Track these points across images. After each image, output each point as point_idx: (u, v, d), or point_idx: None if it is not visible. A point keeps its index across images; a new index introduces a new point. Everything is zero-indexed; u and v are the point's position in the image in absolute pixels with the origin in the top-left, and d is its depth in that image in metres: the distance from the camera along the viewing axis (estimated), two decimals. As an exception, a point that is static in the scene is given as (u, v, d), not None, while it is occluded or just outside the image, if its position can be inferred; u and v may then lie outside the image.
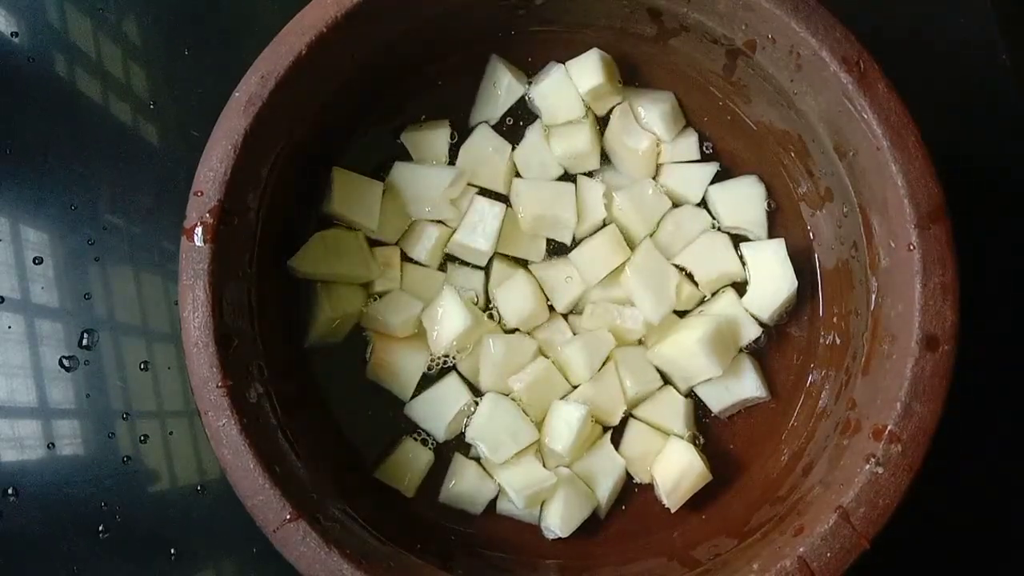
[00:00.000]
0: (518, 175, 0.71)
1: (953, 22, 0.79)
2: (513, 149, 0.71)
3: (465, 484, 0.66)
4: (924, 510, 0.61)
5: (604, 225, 0.70)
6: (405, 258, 0.70)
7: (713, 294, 0.70)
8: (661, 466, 0.67)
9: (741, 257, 0.69)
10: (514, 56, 0.72)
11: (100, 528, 0.69)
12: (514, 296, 0.68)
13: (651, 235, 0.70)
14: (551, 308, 0.69)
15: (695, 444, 0.67)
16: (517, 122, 0.72)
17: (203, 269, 0.56)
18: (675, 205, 0.71)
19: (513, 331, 0.69)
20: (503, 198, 0.70)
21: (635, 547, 0.66)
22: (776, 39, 0.61)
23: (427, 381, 0.68)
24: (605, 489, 0.66)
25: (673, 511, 0.66)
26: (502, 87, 0.71)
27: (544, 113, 0.71)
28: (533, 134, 0.71)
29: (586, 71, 0.69)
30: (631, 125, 0.71)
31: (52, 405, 0.71)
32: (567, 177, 0.71)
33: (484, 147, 0.70)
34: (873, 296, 0.61)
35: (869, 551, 0.54)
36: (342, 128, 0.69)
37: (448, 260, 0.70)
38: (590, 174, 0.71)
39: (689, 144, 0.71)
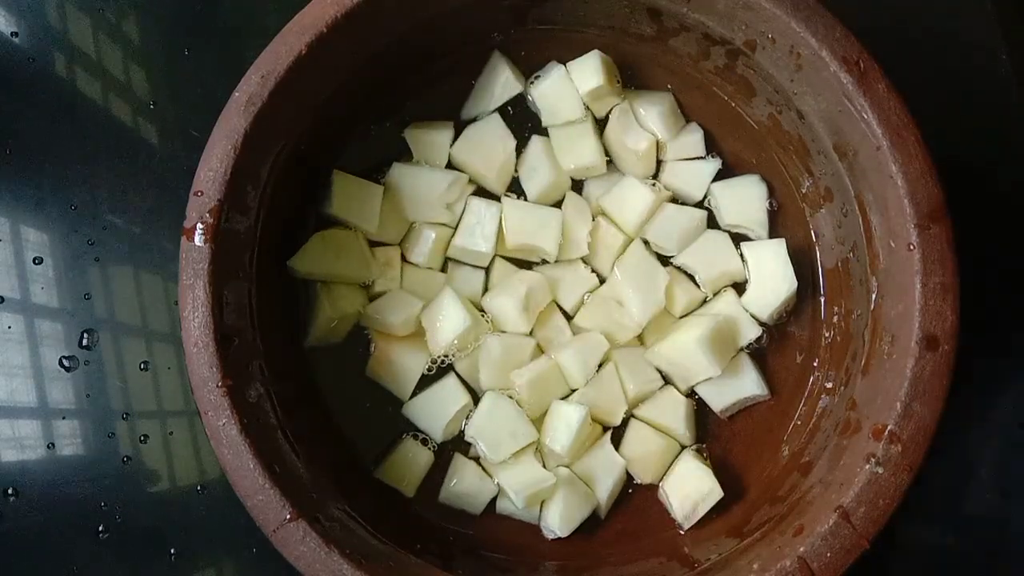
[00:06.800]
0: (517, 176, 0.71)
1: (953, 22, 0.79)
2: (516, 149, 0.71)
3: (465, 484, 0.66)
4: (924, 510, 0.61)
5: (584, 260, 0.70)
6: (405, 259, 0.70)
7: (715, 294, 0.70)
8: (678, 489, 0.66)
9: (741, 256, 0.69)
10: (514, 56, 0.72)
11: (100, 528, 0.69)
12: (502, 306, 0.67)
13: (641, 236, 0.70)
14: (551, 308, 0.69)
15: (702, 456, 0.67)
16: (515, 122, 0.72)
17: (203, 269, 0.56)
18: (677, 202, 0.71)
19: (513, 331, 0.69)
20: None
21: (635, 547, 0.66)
22: (776, 39, 0.61)
23: (426, 382, 0.68)
24: (605, 489, 0.66)
25: (686, 528, 0.66)
26: (499, 82, 0.71)
27: (544, 113, 0.71)
28: (537, 145, 0.70)
29: (586, 72, 0.69)
30: (630, 125, 0.71)
31: (52, 405, 0.71)
32: (574, 185, 0.71)
33: (487, 142, 0.70)
34: (873, 296, 0.61)
35: (869, 551, 0.54)
36: (342, 128, 0.69)
37: (449, 260, 0.70)
38: (581, 185, 0.71)
39: (695, 140, 0.71)
